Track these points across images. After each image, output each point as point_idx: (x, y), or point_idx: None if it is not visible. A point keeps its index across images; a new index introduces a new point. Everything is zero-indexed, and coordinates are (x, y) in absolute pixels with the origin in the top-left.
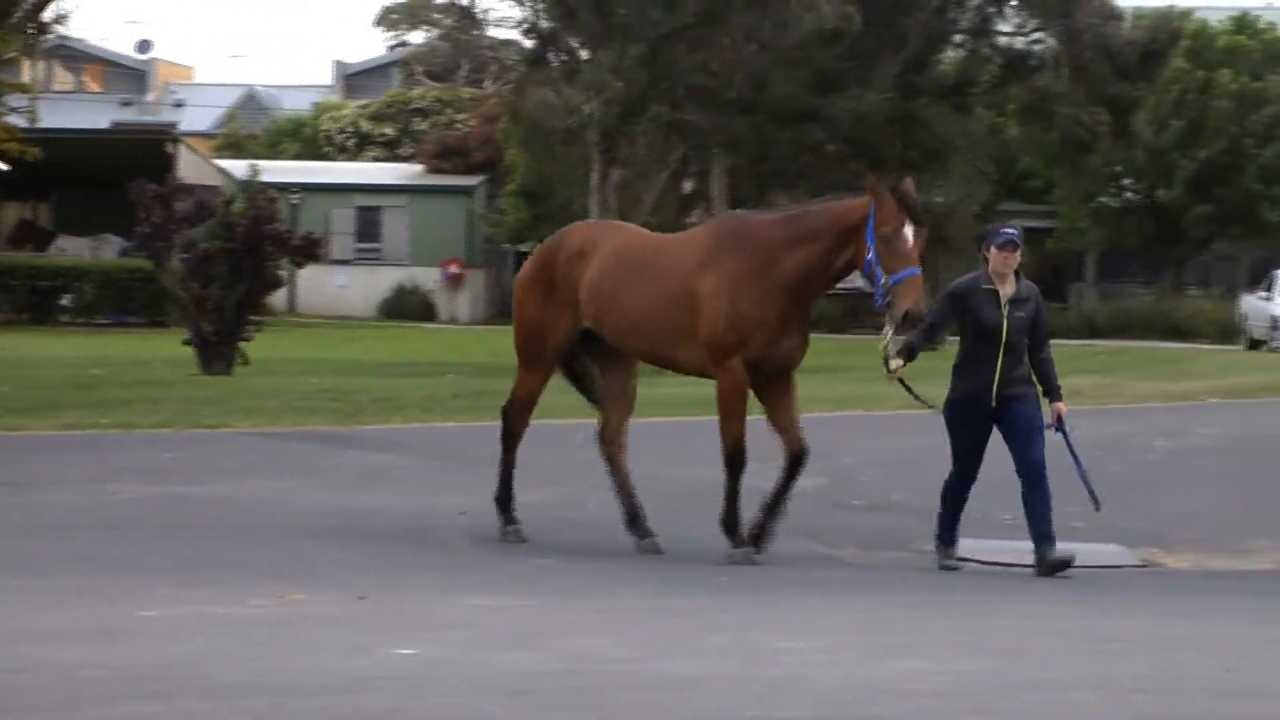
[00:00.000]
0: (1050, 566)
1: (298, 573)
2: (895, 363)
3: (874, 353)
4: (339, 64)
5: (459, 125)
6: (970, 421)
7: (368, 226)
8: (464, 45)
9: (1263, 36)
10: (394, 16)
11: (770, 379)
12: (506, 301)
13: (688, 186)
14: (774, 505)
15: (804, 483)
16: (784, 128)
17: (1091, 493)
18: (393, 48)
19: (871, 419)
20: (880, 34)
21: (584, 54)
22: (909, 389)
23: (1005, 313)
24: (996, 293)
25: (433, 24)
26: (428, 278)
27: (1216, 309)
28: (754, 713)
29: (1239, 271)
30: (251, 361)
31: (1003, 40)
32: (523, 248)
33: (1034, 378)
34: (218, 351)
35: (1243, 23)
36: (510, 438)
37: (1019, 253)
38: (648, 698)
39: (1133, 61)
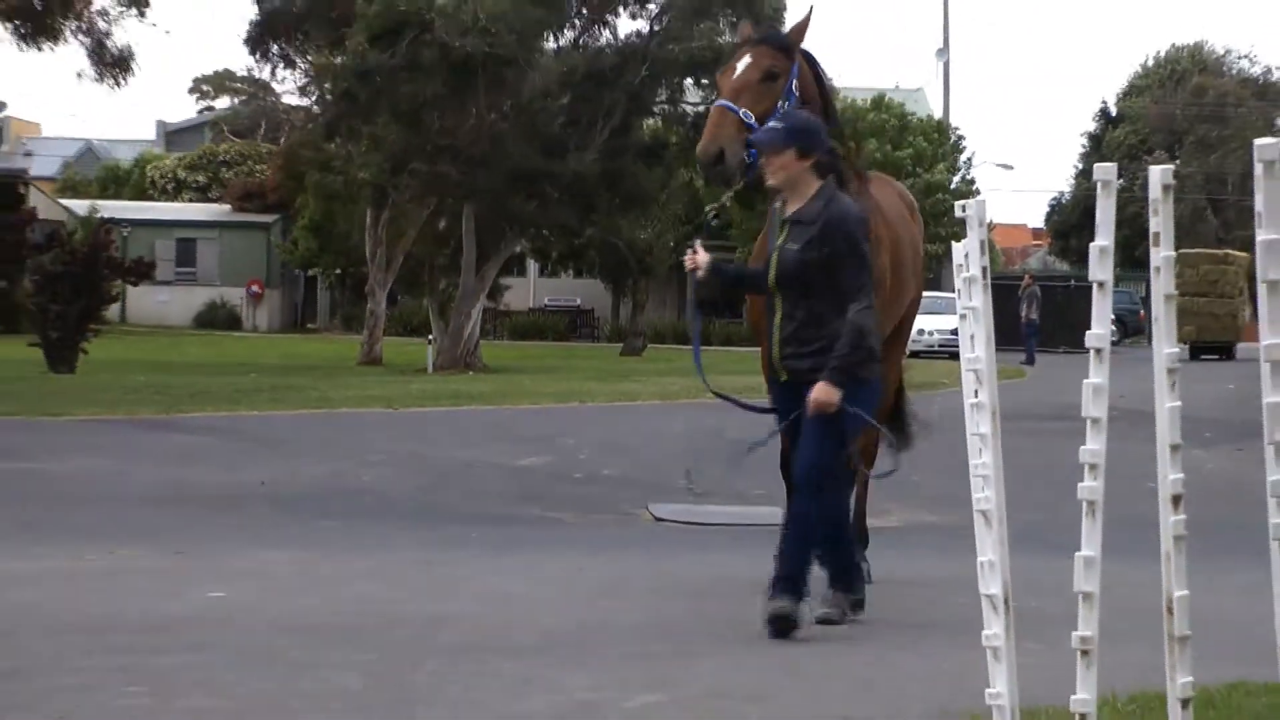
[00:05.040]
0: (771, 619)
1: (125, 533)
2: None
3: (597, 356)
4: (161, 123)
5: (259, 173)
6: (776, 400)
7: (185, 254)
8: (261, 109)
9: (895, 112)
10: (205, 86)
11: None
12: (297, 314)
13: (442, 225)
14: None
15: (533, 460)
16: (517, 181)
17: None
18: (203, 110)
19: (587, 409)
20: (592, 107)
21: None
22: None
23: (780, 241)
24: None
25: (236, 91)
26: (234, 295)
27: None
28: (492, 644)
29: None
30: (90, 355)
31: (690, 109)
32: (310, 272)
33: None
34: (62, 355)
35: (880, 102)
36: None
37: (787, 152)
38: (410, 631)
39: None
